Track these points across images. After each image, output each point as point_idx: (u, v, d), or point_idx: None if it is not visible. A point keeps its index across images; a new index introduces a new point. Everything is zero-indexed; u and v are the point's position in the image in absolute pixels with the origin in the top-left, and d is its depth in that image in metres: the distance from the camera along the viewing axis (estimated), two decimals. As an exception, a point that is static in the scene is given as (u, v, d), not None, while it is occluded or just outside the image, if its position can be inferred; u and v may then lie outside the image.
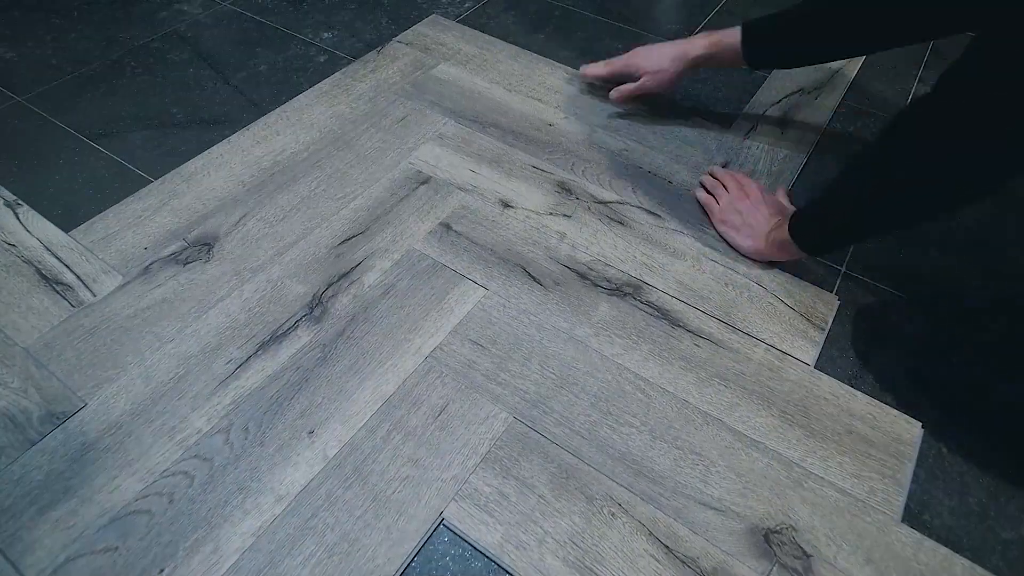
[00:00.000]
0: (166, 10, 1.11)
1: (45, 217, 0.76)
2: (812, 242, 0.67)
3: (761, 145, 0.90)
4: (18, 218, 0.75)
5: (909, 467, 0.58)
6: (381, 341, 0.65)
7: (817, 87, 1.01)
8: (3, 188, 0.79)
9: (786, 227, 0.68)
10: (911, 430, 0.60)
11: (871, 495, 0.56)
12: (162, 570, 0.50)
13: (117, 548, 0.51)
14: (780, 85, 1.00)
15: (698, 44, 0.83)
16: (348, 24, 1.10)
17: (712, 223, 0.78)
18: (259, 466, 0.56)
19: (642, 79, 0.88)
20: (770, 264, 0.74)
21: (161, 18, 1.09)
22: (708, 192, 0.80)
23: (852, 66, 1.05)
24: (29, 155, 0.84)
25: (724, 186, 0.79)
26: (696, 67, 0.85)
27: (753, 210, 0.75)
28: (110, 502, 0.53)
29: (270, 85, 0.97)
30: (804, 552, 0.52)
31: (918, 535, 0.54)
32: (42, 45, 1.03)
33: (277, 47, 1.04)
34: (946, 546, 0.53)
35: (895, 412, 0.62)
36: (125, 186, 0.81)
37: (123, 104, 0.93)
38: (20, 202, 0.77)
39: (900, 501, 0.56)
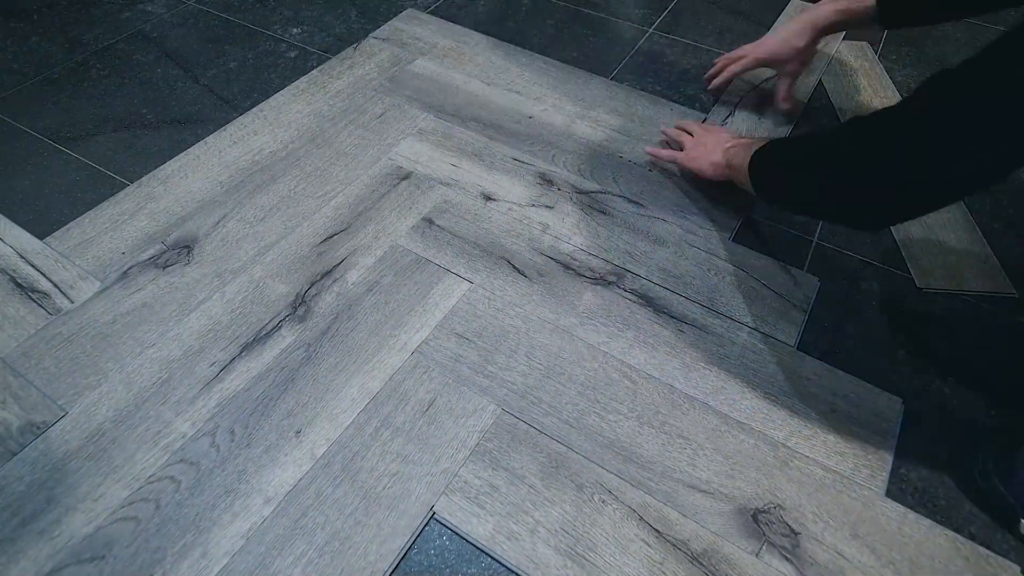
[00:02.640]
0: (129, 10, 1.09)
1: (17, 224, 0.74)
2: (762, 171, 0.65)
3: (740, 129, 0.91)
4: (-12, 226, 0.74)
5: (892, 442, 0.59)
6: (366, 338, 0.65)
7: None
8: (-29, 196, 0.78)
9: (748, 148, 0.67)
10: (892, 406, 0.61)
11: (856, 471, 0.57)
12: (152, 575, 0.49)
13: (104, 557, 0.50)
14: (756, 72, 0.99)
15: (824, 12, 0.81)
16: (317, 19, 1.09)
17: (680, 170, 0.82)
18: (246, 468, 0.55)
19: (786, 68, 0.87)
20: (751, 247, 0.75)
21: (125, 18, 1.07)
22: (670, 145, 0.84)
23: (832, 43, 1.05)
24: (-4, 160, 0.83)
25: (688, 132, 0.83)
26: (823, 36, 0.83)
27: (716, 135, 0.78)
28: (95, 510, 0.52)
29: (241, 82, 0.95)
30: (792, 530, 0.53)
31: (903, 509, 0.55)
32: (2, 49, 1.00)
33: (246, 44, 1.03)
34: (928, 516, 0.54)
35: (876, 389, 0.63)
36: (99, 190, 0.79)
37: (90, 107, 0.91)
38: (-11, 209, 0.76)
39: (884, 476, 0.57)
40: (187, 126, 0.88)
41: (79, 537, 0.51)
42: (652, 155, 0.84)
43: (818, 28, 0.82)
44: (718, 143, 0.76)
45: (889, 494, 0.56)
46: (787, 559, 0.52)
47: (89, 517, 0.52)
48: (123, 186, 0.80)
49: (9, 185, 0.79)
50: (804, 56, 0.85)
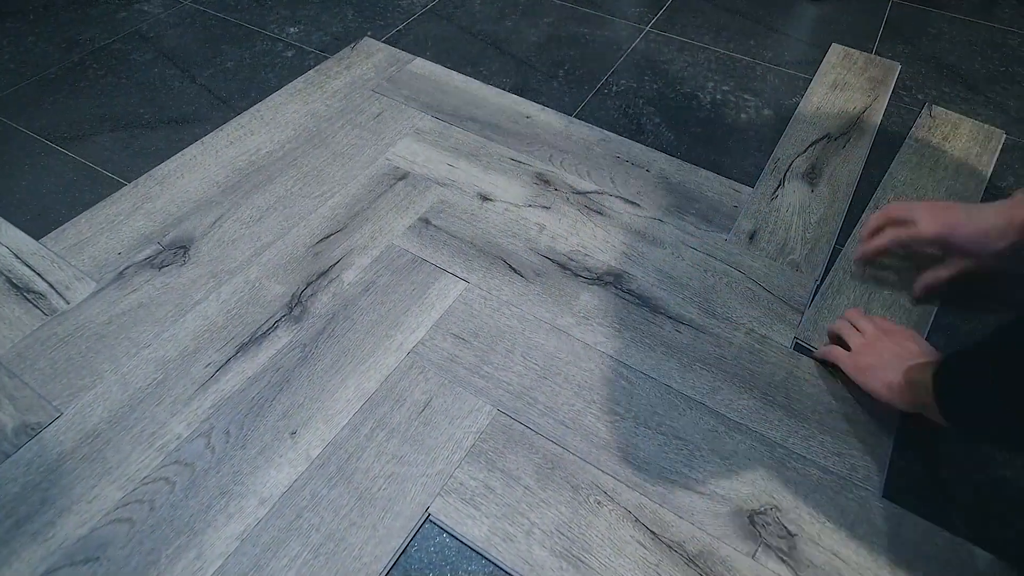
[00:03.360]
0: (126, 10, 1.08)
1: (13, 224, 0.74)
2: (955, 398, 0.48)
3: (791, 205, 0.79)
4: (-16, 226, 0.74)
5: (888, 444, 0.59)
6: (362, 338, 0.65)
7: (843, 132, 0.89)
8: (-33, 196, 0.78)
9: (930, 370, 0.50)
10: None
11: (852, 472, 0.57)
12: (146, 578, 0.49)
13: (98, 559, 0.50)
14: (803, 133, 0.89)
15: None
16: (314, 18, 1.09)
17: (846, 377, 0.62)
18: (241, 469, 0.55)
19: (961, 262, 0.63)
20: (748, 250, 0.75)
21: (121, 18, 1.07)
22: (836, 340, 0.64)
23: (878, 108, 0.92)
24: (-7, 160, 0.82)
25: (858, 329, 0.63)
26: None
27: (896, 339, 0.60)
28: (89, 512, 0.52)
29: (238, 81, 0.95)
30: (788, 532, 0.53)
31: (900, 510, 0.55)
32: None
33: (242, 44, 1.03)
34: (925, 518, 0.54)
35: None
36: (95, 190, 0.79)
37: (88, 107, 0.91)
38: (-15, 210, 0.76)
39: (880, 477, 0.56)
40: (184, 126, 0.88)
41: (73, 539, 0.51)
42: (818, 357, 0.64)
43: (1018, 225, 0.58)
44: (898, 354, 0.58)
45: (886, 495, 0.56)
46: (784, 561, 0.52)
47: (83, 519, 0.52)
48: (120, 186, 0.80)
49: (5, 185, 0.79)
50: (997, 261, 0.61)
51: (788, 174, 0.83)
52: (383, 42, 1.04)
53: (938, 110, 0.93)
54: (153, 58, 0.99)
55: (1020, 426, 0.43)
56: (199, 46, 1.02)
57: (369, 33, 1.05)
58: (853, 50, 1.04)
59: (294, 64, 0.99)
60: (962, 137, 0.89)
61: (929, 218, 0.62)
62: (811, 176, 0.84)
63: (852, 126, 0.90)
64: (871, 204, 0.80)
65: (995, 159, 0.86)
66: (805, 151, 0.87)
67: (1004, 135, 0.89)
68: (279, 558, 0.50)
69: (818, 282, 0.72)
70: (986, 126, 0.90)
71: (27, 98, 0.92)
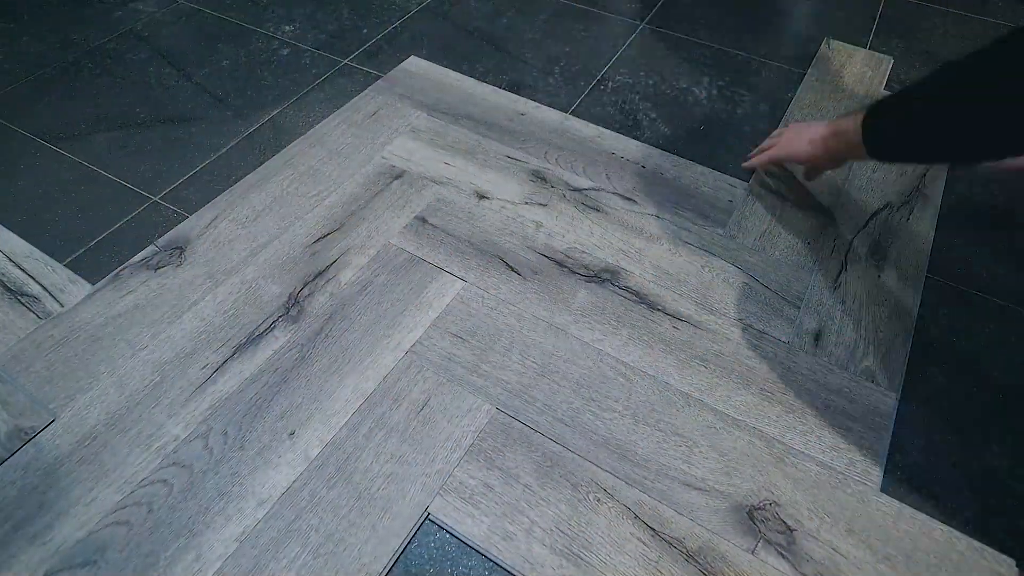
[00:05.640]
0: (121, 9, 1.08)
1: (5, 227, 0.74)
2: (885, 125, 0.60)
3: (858, 298, 0.70)
4: (-22, 229, 0.73)
5: (886, 438, 0.59)
6: (360, 338, 0.65)
7: (906, 200, 0.80)
8: (-39, 199, 0.77)
9: (857, 117, 0.62)
10: (886, 401, 0.61)
11: (851, 467, 0.57)
12: (144, 581, 0.49)
13: (96, 562, 0.50)
14: (863, 203, 0.80)
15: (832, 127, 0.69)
16: (309, 16, 1.08)
17: (775, 163, 0.79)
18: (240, 470, 0.55)
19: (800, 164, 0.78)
20: (743, 244, 0.75)
21: (116, 18, 1.06)
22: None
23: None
24: (-14, 163, 0.82)
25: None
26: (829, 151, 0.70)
27: (809, 125, 0.75)
28: (87, 515, 0.52)
29: (234, 80, 0.95)
30: (788, 527, 0.53)
31: (897, 504, 0.55)
32: (-6, 49, 1.00)
33: (238, 42, 1.02)
34: (923, 511, 0.54)
35: (871, 385, 0.63)
36: (92, 189, 0.79)
37: (83, 106, 0.90)
38: (-21, 213, 0.75)
39: (878, 471, 0.57)
40: (180, 125, 0.87)
41: (71, 542, 0.51)
42: (747, 166, 0.82)
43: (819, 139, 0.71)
44: (812, 126, 0.73)
45: (884, 489, 0.56)
46: (783, 556, 0.52)
47: (81, 522, 0.52)
48: (116, 186, 0.79)
49: (0, 186, 0.79)
50: (821, 163, 0.73)
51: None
52: (375, 41, 1.03)
53: (836, 43, 1.04)
54: (148, 57, 0.98)
55: (945, 145, 0.55)
56: (195, 45, 1.01)
57: (364, 31, 1.05)
58: (847, 44, 1.04)
59: (290, 62, 0.98)
60: (856, 64, 1.01)
61: (784, 141, 0.77)
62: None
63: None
64: (781, 123, 0.91)
65: (884, 81, 0.98)
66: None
67: (892, 60, 1.01)
68: (279, 559, 0.50)
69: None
70: (876, 54, 1.02)
71: (22, 98, 0.91)
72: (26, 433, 0.56)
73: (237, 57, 0.99)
